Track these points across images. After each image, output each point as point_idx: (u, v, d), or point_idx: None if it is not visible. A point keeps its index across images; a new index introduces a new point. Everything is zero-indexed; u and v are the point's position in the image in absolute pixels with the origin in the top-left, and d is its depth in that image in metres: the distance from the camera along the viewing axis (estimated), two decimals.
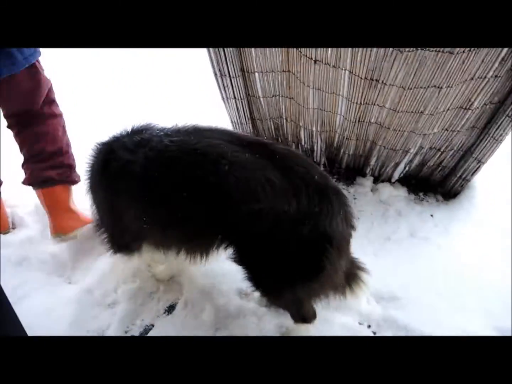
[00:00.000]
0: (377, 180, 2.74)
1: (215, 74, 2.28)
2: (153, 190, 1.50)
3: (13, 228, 2.26)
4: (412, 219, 2.45)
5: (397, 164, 2.59)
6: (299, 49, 2.11)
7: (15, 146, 2.18)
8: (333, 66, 2.13)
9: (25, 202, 2.32)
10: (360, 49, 1.98)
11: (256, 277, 1.55)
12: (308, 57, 2.13)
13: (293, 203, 1.39)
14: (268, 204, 1.39)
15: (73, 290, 1.90)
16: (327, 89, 2.28)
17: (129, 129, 1.67)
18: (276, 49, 2.18)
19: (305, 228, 1.38)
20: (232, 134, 1.58)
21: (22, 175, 2.21)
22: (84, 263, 2.04)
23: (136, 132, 1.64)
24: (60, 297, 1.85)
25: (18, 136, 2.16)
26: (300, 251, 1.40)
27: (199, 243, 1.62)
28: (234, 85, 2.33)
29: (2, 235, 2.15)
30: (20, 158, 2.20)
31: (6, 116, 2.12)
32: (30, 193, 2.22)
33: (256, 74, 2.34)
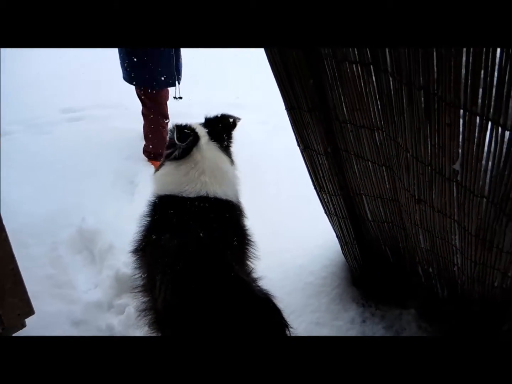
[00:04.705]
0: None
1: (315, 188, 2.13)
2: None
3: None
4: None
5: None
6: (403, 183, 1.80)
7: None
8: (439, 212, 1.74)
9: None
10: (467, 199, 1.56)
11: None
12: (411, 194, 1.79)
13: None
14: None
15: None
16: (436, 233, 1.87)
17: None
18: (383, 175, 1.91)
19: None
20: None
21: None
22: None
23: None
24: None
25: None
26: None
27: None
28: (334, 203, 2.13)
29: None
30: None
31: None
32: None
33: (363, 196, 2.09)
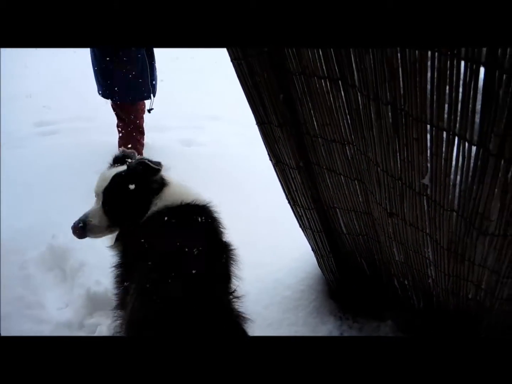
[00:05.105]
0: None
1: (289, 202, 2.12)
2: None
3: None
4: None
5: None
6: (375, 197, 1.80)
7: None
8: (411, 225, 1.73)
9: None
10: (438, 213, 1.55)
11: None
12: (383, 208, 1.79)
13: None
14: None
15: None
16: (409, 246, 1.87)
17: None
18: (356, 189, 1.90)
19: None
20: None
21: None
22: None
23: None
24: None
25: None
26: None
27: None
28: (308, 217, 2.12)
29: None
30: None
31: None
32: None
33: (337, 210, 2.08)
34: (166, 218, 1.72)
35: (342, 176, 1.85)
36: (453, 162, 1.25)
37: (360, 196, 1.91)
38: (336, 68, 1.40)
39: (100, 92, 3.73)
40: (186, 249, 1.60)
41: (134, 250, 1.73)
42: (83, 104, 5.00)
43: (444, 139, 1.21)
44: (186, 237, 1.66)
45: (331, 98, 1.52)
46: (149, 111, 3.81)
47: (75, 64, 5.78)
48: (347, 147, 1.68)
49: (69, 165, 3.81)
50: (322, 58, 1.41)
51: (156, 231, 1.74)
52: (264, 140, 1.81)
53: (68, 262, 2.62)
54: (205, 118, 5.02)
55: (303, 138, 1.76)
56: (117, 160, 1.96)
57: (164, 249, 1.64)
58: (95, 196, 1.84)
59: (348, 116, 1.54)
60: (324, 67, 1.43)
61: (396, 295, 2.40)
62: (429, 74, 1.10)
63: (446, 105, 1.13)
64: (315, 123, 1.66)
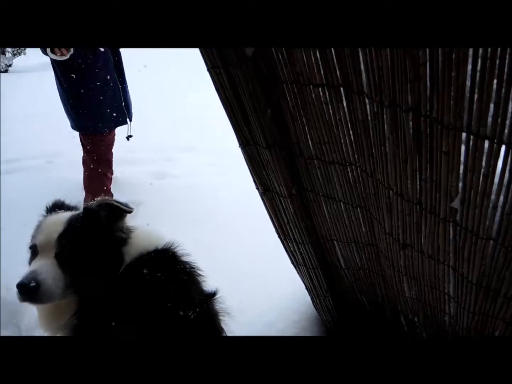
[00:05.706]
0: None
1: (279, 236, 1.83)
2: None
3: None
4: None
5: None
6: (383, 226, 1.53)
7: None
8: (430, 257, 1.47)
9: None
10: (468, 243, 1.29)
11: None
12: (394, 238, 1.52)
13: None
14: None
15: None
16: (425, 281, 1.60)
17: None
18: (358, 218, 1.63)
19: None
20: None
21: None
22: None
23: None
24: None
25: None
26: None
27: None
28: (303, 252, 1.83)
29: None
30: None
31: None
32: None
33: (335, 242, 1.80)
34: (149, 270, 1.39)
35: (342, 204, 1.58)
36: (496, 179, 1.00)
37: (363, 226, 1.64)
38: (338, 72, 1.14)
39: (72, 125, 3.45)
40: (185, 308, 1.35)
41: (114, 313, 1.36)
42: (47, 140, 4.74)
43: (486, 150, 0.96)
44: (178, 291, 1.40)
45: (330, 110, 1.26)
46: (127, 138, 3.53)
47: (38, 99, 5.52)
48: (348, 169, 1.42)
49: (30, 205, 3.44)
50: (320, 61, 1.15)
51: (144, 285, 1.39)
52: (250, 165, 1.54)
53: (23, 318, 2.25)
54: (177, 148, 4.77)
55: (295, 160, 1.49)
56: (55, 207, 1.60)
57: (163, 307, 1.36)
58: (38, 248, 1.39)
59: (351, 132, 1.28)
60: (322, 72, 1.17)
61: (402, 331, 2.12)
62: (469, 67, 0.85)
63: (492, 105, 0.87)
64: (310, 142, 1.40)
